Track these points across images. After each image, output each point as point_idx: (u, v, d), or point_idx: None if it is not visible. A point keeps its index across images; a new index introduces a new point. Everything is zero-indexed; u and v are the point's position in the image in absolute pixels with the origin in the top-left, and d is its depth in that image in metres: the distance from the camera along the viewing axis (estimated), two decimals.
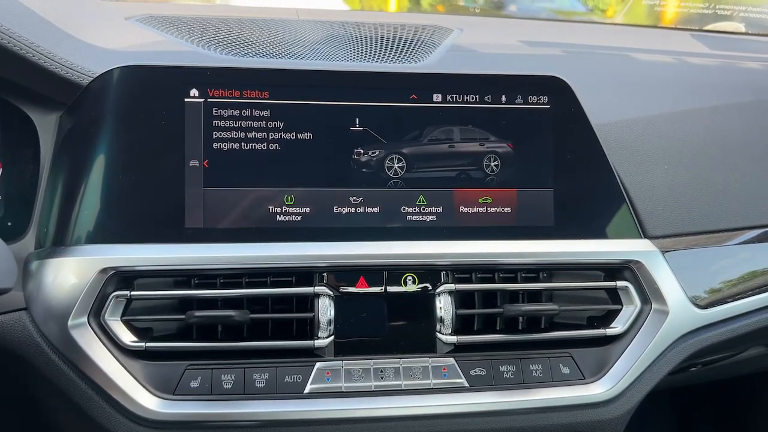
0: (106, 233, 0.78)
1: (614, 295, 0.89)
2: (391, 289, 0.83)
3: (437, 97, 0.85)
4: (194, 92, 0.81)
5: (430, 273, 0.84)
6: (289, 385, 0.80)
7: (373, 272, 0.83)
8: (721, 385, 1.58)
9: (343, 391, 0.80)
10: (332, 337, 0.81)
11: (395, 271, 0.83)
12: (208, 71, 0.82)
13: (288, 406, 0.79)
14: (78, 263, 0.77)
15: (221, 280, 0.81)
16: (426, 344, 0.83)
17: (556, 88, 0.88)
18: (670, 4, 1.63)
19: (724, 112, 1.03)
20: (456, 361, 0.83)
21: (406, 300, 0.83)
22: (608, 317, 0.89)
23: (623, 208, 0.89)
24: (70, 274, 0.77)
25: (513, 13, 1.79)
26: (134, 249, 0.78)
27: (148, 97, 0.81)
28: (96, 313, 0.78)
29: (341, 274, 0.82)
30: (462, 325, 0.85)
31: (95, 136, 0.80)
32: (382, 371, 0.82)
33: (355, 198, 0.83)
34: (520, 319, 0.87)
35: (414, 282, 0.84)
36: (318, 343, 0.80)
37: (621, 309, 0.88)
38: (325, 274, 0.82)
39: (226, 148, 0.81)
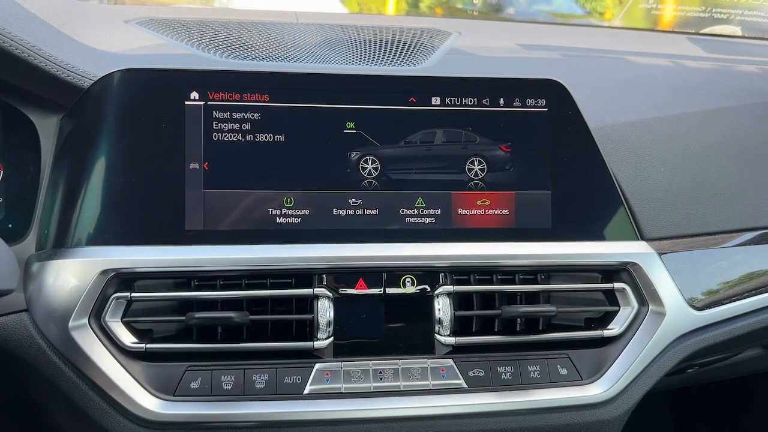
0: (106, 235, 0.78)
1: (611, 297, 0.89)
2: (390, 290, 0.83)
3: (436, 100, 0.86)
4: (194, 95, 0.81)
5: (428, 275, 0.84)
6: (289, 386, 0.80)
7: (372, 274, 0.83)
8: (718, 386, 1.59)
9: (342, 392, 0.81)
10: (331, 339, 0.81)
11: (394, 273, 0.83)
12: (208, 74, 0.83)
13: (287, 407, 0.79)
14: (79, 265, 0.77)
15: (221, 282, 0.82)
16: (424, 345, 0.84)
17: (553, 91, 0.88)
18: (667, 8, 1.64)
19: (721, 114, 1.04)
20: (454, 363, 0.84)
21: (405, 301, 0.84)
22: (606, 319, 0.89)
23: (620, 210, 0.89)
24: (70, 275, 0.77)
25: (511, 17, 1.80)
26: (135, 251, 0.78)
27: (149, 100, 0.81)
28: (96, 314, 0.78)
29: (340, 275, 0.82)
30: (460, 327, 0.86)
31: (96, 139, 0.80)
32: (381, 372, 0.82)
33: (354, 200, 0.83)
34: (518, 320, 0.87)
35: (413, 283, 0.84)
36: (317, 344, 0.81)
37: (618, 310, 0.88)
38: (324, 275, 0.82)
39: (226, 151, 0.81)
